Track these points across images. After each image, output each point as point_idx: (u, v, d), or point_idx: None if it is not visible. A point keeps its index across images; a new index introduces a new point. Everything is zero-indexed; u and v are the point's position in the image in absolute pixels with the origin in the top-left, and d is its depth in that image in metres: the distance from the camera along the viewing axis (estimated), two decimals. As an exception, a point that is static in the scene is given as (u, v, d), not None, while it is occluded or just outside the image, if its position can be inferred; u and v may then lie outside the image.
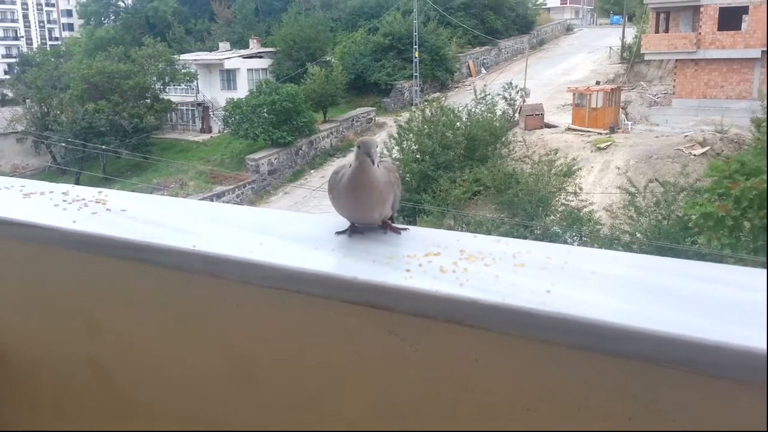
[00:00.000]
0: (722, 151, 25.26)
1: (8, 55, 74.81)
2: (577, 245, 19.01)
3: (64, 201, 1.68)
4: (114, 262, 1.45)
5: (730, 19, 32.61)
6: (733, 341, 0.88)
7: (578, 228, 19.43)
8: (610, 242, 18.64)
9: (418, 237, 1.34)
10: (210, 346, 1.38)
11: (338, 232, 1.35)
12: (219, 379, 1.38)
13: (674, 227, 18.07)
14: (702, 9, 33.07)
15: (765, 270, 1.05)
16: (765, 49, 31.27)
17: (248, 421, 1.36)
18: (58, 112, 39.46)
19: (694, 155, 26.16)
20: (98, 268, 1.49)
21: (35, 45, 76.50)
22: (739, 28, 32.63)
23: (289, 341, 1.27)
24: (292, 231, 1.43)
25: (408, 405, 1.16)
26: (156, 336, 1.46)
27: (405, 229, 1.37)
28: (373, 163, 1.29)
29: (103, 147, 34.38)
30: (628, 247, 18.46)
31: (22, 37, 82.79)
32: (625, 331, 0.93)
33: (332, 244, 1.34)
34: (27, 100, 42.11)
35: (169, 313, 1.42)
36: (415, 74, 40.37)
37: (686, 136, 28.21)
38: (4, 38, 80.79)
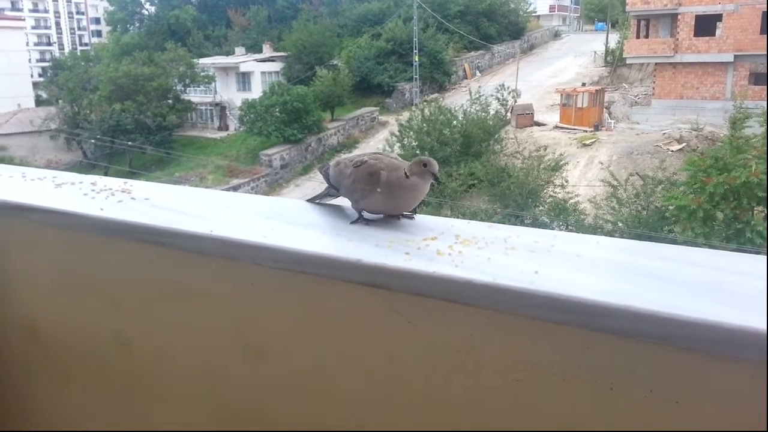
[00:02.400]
0: (698, 147, 25.16)
1: (42, 60, 74.56)
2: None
3: (93, 191, 1.68)
4: (138, 246, 1.45)
5: (705, 26, 32.40)
6: (703, 317, 0.88)
7: (565, 218, 19.41)
8: (594, 230, 18.61)
9: (417, 224, 1.34)
10: (225, 324, 1.38)
11: (353, 222, 1.34)
12: (233, 354, 1.39)
13: (653, 217, 18.05)
14: (679, 16, 32.86)
15: (733, 252, 1.05)
16: (737, 53, 31.09)
17: (259, 392, 1.36)
18: (88, 112, 39.42)
19: (672, 151, 26.07)
20: (123, 251, 1.49)
21: (67, 50, 76.26)
22: (714, 34, 32.42)
23: (299, 319, 1.27)
24: (301, 218, 1.43)
25: (408, 377, 1.17)
26: (175, 314, 1.46)
27: (412, 217, 1.37)
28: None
29: (129, 143, 34.41)
30: (610, 235, 18.42)
31: (55, 42, 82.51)
32: (606, 308, 0.93)
33: (338, 229, 1.34)
34: (59, 101, 42.07)
35: (187, 294, 1.43)
36: (415, 77, 40.22)
37: (664, 133, 28.11)
38: (39, 44, 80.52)
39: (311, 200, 1.53)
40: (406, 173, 1.32)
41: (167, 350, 1.51)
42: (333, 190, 1.46)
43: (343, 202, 1.48)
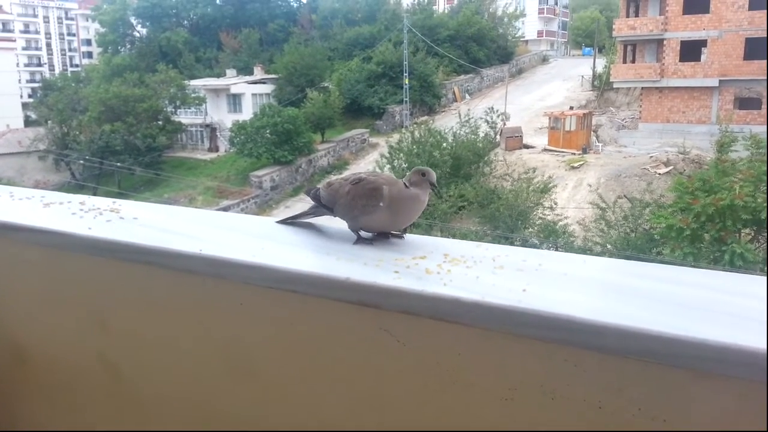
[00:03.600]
0: (684, 170, 25.46)
1: (32, 80, 74.53)
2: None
3: (81, 210, 1.68)
4: (126, 265, 1.44)
5: (690, 52, 33.02)
6: (691, 334, 0.88)
7: (554, 240, 19.47)
8: (584, 252, 18.67)
9: (406, 243, 1.34)
10: (214, 344, 1.37)
11: (356, 243, 1.34)
12: (222, 374, 1.37)
13: (641, 239, 18.16)
14: (665, 42, 33.48)
15: (720, 272, 1.06)
16: (722, 78, 31.64)
17: (249, 411, 1.35)
18: (77, 133, 39.34)
19: (659, 174, 26.36)
20: (111, 271, 1.48)
21: (57, 71, 76.38)
22: (699, 60, 33.03)
23: (288, 338, 1.27)
24: (290, 237, 1.43)
25: (397, 396, 1.16)
26: (164, 334, 1.44)
27: (401, 236, 1.37)
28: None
29: (119, 164, 34.30)
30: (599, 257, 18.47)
31: (45, 63, 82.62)
32: (594, 326, 0.93)
33: (327, 248, 1.34)
34: (49, 122, 41.97)
35: (176, 313, 1.42)
36: (405, 99, 40.57)
37: (652, 156, 28.43)
38: (29, 65, 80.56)
39: (284, 221, 1.52)
40: (405, 184, 1.33)
41: (155, 370, 1.49)
42: (321, 209, 1.46)
43: (325, 221, 1.47)
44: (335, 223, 1.42)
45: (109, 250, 1.45)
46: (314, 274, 1.18)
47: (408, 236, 1.38)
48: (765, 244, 16.06)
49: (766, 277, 1.03)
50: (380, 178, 1.37)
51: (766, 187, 15.37)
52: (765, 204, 14.86)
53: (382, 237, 1.36)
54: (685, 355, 0.88)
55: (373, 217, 1.33)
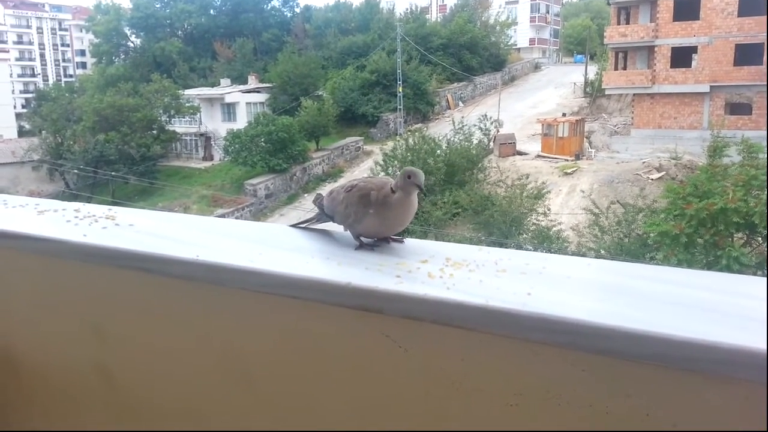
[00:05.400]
0: (677, 175, 25.56)
1: (26, 91, 74.36)
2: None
3: (76, 217, 1.65)
4: (122, 272, 1.41)
5: (681, 58, 33.22)
6: (700, 337, 0.86)
7: (548, 245, 19.47)
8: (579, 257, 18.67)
9: (407, 248, 1.32)
10: (212, 351, 1.34)
11: (357, 248, 1.31)
12: (220, 382, 1.35)
13: (634, 244, 18.16)
14: (656, 48, 33.68)
15: (726, 274, 1.05)
16: (713, 84, 31.85)
17: (248, 419, 1.32)
18: (71, 143, 39.18)
19: (652, 179, 26.45)
20: (107, 278, 1.46)
21: (51, 81, 76.17)
22: (690, 66, 33.23)
23: (287, 344, 1.24)
24: (288, 243, 1.41)
25: (399, 403, 1.14)
26: (161, 341, 1.42)
27: (401, 241, 1.35)
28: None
29: (113, 174, 34.17)
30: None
31: (39, 74, 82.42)
32: (601, 329, 0.92)
33: (327, 253, 1.32)
34: (42, 132, 41.80)
35: (173, 320, 1.39)
36: (399, 107, 40.65)
37: (644, 162, 28.54)
38: (23, 75, 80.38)
39: (296, 225, 1.51)
40: (391, 188, 1.30)
41: (152, 378, 1.46)
42: (326, 218, 1.45)
43: (331, 226, 1.46)
44: (340, 228, 1.41)
45: (105, 256, 1.42)
46: (314, 279, 1.16)
47: (409, 241, 1.36)
48: (758, 249, 16.09)
49: (766, 279, 1.02)
50: (371, 183, 1.35)
51: (760, 191, 15.42)
52: (757, 208, 14.91)
53: (383, 242, 1.34)
54: (694, 359, 0.86)
55: (365, 224, 1.32)
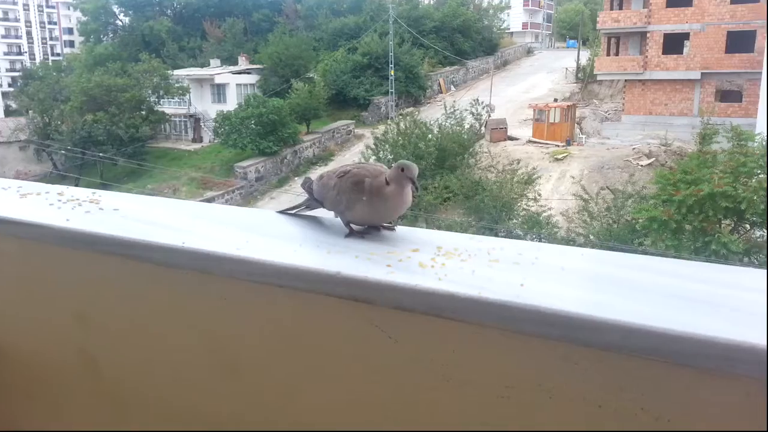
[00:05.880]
0: (666, 162, 25.67)
1: (12, 69, 73.19)
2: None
3: (59, 201, 1.61)
4: (106, 258, 1.38)
5: (673, 44, 33.22)
6: (696, 331, 0.85)
7: (538, 231, 19.55)
8: (567, 243, 18.80)
9: (398, 236, 1.30)
10: (198, 340, 1.31)
11: (347, 236, 1.28)
12: (207, 371, 1.32)
13: (623, 230, 18.28)
14: (648, 35, 33.64)
15: (722, 266, 1.03)
16: (704, 71, 31.90)
17: (235, 410, 1.30)
18: (59, 123, 38.70)
19: (641, 165, 26.55)
20: (91, 264, 1.42)
21: (38, 60, 74.96)
22: (681, 52, 33.24)
23: (275, 334, 1.22)
24: (277, 230, 1.38)
25: (389, 395, 1.12)
26: (146, 329, 1.39)
27: (393, 228, 1.33)
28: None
29: (101, 155, 33.80)
30: (583, 248, 18.60)
31: (26, 52, 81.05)
32: (594, 322, 0.90)
33: (316, 241, 1.29)
34: (29, 111, 41.19)
35: (159, 308, 1.36)
36: (390, 90, 40.41)
37: (634, 148, 28.62)
38: (9, 53, 79.05)
39: (284, 211, 1.48)
40: (386, 180, 1.27)
41: (137, 366, 1.44)
42: (315, 203, 1.41)
43: (320, 213, 1.43)
44: (330, 214, 1.38)
45: (88, 242, 1.39)
46: (303, 268, 1.13)
47: (400, 228, 1.33)
48: (746, 235, 16.23)
49: (766, 271, 1.00)
50: (365, 170, 1.32)
51: (748, 178, 15.52)
52: (745, 194, 15.02)
53: (373, 230, 1.32)
54: (692, 353, 0.84)
55: (356, 211, 1.29)
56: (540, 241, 19.28)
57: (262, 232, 1.35)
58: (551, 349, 0.94)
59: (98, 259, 1.39)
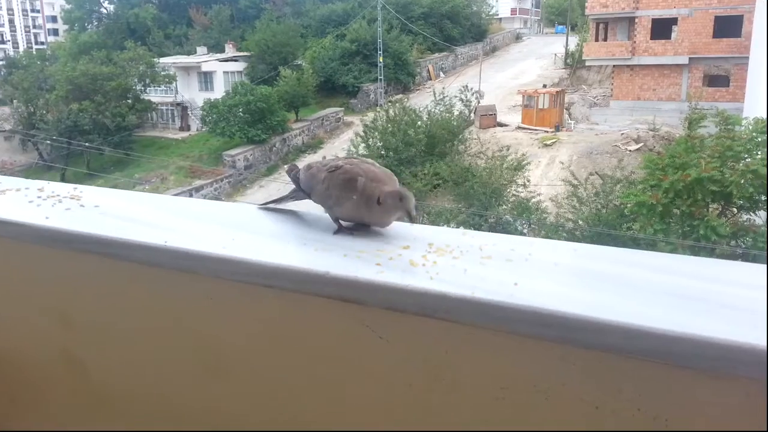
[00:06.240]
0: (654, 147, 25.76)
1: (-5, 58, 72.09)
2: (531, 234, 19.21)
3: (39, 197, 1.56)
4: (86, 257, 1.33)
5: (661, 30, 33.22)
6: (695, 332, 0.82)
7: (527, 216, 19.60)
8: (556, 229, 18.89)
9: (388, 231, 1.26)
10: (183, 341, 1.28)
11: (336, 232, 1.24)
12: (192, 373, 1.29)
13: (612, 215, 18.36)
14: (637, 20, 33.61)
15: (723, 261, 1.01)
16: (692, 56, 31.96)
17: (221, 413, 1.26)
18: (44, 112, 38.21)
19: (630, 151, 26.64)
20: (71, 263, 1.38)
21: (21, 49, 73.80)
22: (669, 38, 33.26)
23: (262, 335, 1.18)
24: (263, 226, 1.34)
25: (380, 396, 1.09)
26: (129, 330, 1.35)
27: None
28: (411, 222, 1.21)
29: (87, 144, 33.42)
30: (572, 233, 18.71)
31: (8, 41, 79.82)
32: (591, 323, 0.87)
33: (303, 238, 1.25)
34: (14, 101, 40.62)
35: (142, 308, 1.32)
36: (379, 77, 40.22)
37: (623, 133, 28.69)
38: (-9, 42, 77.95)
39: (267, 206, 1.44)
40: (379, 200, 1.20)
41: (119, 367, 1.40)
42: (301, 194, 1.37)
43: (305, 206, 1.39)
44: (317, 208, 1.34)
45: (67, 241, 1.34)
46: (290, 268, 1.09)
47: (390, 225, 1.30)
48: (733, 219, 16.35)
49: (766, 266, 0.98)
50: (358, 167, 1.26)
51: (735, 162, 15.61)
52: (732, 179, 15.10)
53: (362, 226, 1.28)
54: (690, 354, 0.82)
55: (345, 209, 1.24)
56: (530, 226, 19.35)
57: (247, 228, 1.31)
58: (547, 349, 0.91)
59: (78, 257, 1.35)
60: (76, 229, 1.33)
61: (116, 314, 1.35)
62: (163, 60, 42.00)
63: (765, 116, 16.27)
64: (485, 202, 20.16)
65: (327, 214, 1.31)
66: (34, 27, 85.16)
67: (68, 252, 1.36)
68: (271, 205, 1.43)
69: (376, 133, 26.22)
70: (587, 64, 39.02)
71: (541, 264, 1.06)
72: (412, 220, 1.20)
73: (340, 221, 1.28)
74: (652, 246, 16.06)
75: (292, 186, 1.43)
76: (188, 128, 40.07)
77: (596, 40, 36.29)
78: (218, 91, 38.01)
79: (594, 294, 0.95)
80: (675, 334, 0.82)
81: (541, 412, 0.94)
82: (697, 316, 0.86)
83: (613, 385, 0.89)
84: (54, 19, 79.27)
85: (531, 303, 0.91)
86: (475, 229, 19.60)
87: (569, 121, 32.64)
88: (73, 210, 1.46)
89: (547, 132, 30.25)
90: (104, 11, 57.10)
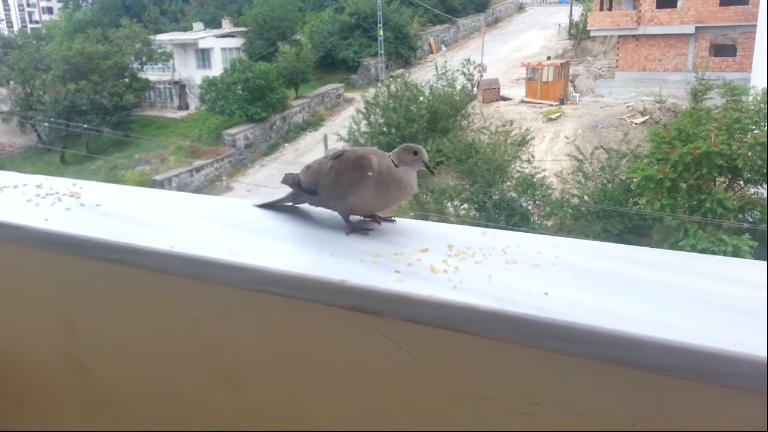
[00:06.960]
0: (660, 119, 25.53)
1: (-11, 38, 71.38)
2: (536, 210, 19.14)
3: (37, 195, 1.51)
4: (88, 261, 1.28)
5: (667, -2, 32.70)
6: (738, 349, 0.77)
7: (532, 193, 19.50)
8: (561, 205, 18.81)
9: (402, 230, 1.20)
10: (191, 348, 1.23)
11: (349, 233, 1.19)
12: (200, 381, 1.24)
13: (618, 190, 18.25)
14: (642, -12, 33.08)
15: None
16: (698, 25, 31.49)
17: (231, 423, 1.22)
18: (41, 93, 37.86)
19: (636, 124, 26.39)
20: (72, 267, 1.33)
21: (16, 28, 73.03)
22: (675, 6, 32.72)
23: (275, 344, 1.14)
24: (273, 227, 1.28)
25: (400, 409, 1.04)
26: (135, 336, 1.30)
27: (392, 221, 1.24)
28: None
29: (85, 125, 33.23)
30: (577, 209, 18.63)
31: (2, 20, 78.88)
32: (630, 340, 0.82)
33: (314, 239, 1.19)
34: (10, 82, 40.28)
35: (147, 314, 1.27)
36: (380, 52, 39.72)
37: (628, 106, 28.38)
38: (-16, 21, 77.03)
39: (264, 205, 1.38)
40: (393, 162, 1.18)
41: (125, 375, 1.36)
42: (302, 196, 1.31)
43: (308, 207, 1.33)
44: (318, 209, 1.28)
45: (68, 245, 1.29)
46: (304, 277, 1.04)
47: (404, 221, 1.24)
48: (740, 192, 16.24)
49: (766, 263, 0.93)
50: (363, 149, 1.23)
51: (743, 134, 15.45)
52: (740, 151, 14.96)
53: (373, 222, 1.22)
54: (733, 373, 0.77)
55: (361, 195, 1.18)
56: (535, 203, 19.26)
57: (257, 229, 1.25)
58: (582, 365, 0.86)
59: (80, 262, 1.30)
60: (78, 233, 1.27)
61: (121, 320, 1.31)
62: (159, 37, 41.51)
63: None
64: (489, 178, 20.03)
65: (335, 213, 1.25)
66: (28, 5, 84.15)
67: (69, 256, 1.31)
68: (270, 206, 1.37)
69: (378, 110, 25.97)
70: (592, 34, 38.49)
71: (570, 269, 1.01)
72: (430, 171, 1.23)
73: (351, 218, 1.22)
74: (659, 220, 16.01)
75: (290, 167, 1.38)
76: (187, 107, 39.78)
77: (601, 9, 35.74)
78: (216, 69, 37.61)
79: (632, 305, 0.90)
80: (725, 353, 0.77)
81: (573, 429, 0.90)
82: (743, 329, 0.81)
83: (651, 403, 0.84)
84: (48, -4, 78.33)
85: (563, 317, 0.85)
86: (479, 206, 19.57)
87: (574, 94, 32.28)
88: (74, 210, 1.41)
89: (552, 105, 29.94)
90: (98, -12, 56.39)
